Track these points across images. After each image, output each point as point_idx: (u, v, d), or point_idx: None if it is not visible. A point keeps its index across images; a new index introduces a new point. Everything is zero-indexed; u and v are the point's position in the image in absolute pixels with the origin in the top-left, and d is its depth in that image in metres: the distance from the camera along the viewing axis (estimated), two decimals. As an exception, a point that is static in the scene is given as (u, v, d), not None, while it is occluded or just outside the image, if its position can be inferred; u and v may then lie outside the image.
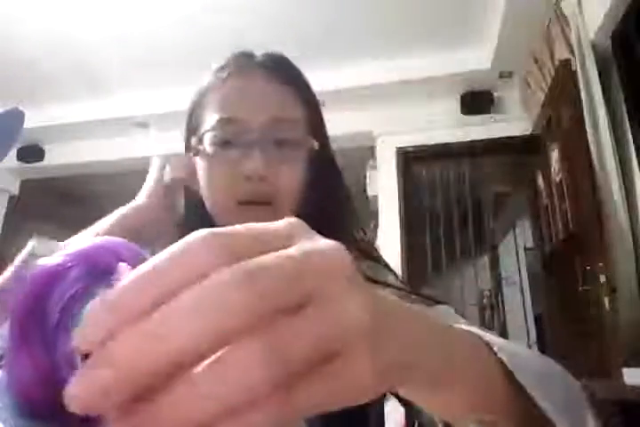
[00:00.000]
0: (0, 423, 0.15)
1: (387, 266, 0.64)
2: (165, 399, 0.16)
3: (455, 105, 2.99)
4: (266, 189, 0.57)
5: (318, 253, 0.18)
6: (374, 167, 3.16)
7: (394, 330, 0.21)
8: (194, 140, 0.60)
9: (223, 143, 0.58)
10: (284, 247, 0.18)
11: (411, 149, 3.02)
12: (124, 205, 0.63)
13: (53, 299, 0.15)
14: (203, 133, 0.59)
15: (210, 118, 0.59)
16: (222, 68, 0.62)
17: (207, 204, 0.61)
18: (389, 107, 3.07)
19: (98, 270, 0.16)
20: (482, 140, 2.91)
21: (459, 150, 2.98)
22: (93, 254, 0.16)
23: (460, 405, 0.29)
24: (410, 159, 3.04)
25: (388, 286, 0.58)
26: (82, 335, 0.16)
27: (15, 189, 3.90)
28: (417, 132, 3.01)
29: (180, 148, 0.67)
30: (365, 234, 0.66)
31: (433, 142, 2.98)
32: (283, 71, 0.63)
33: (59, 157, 3.68)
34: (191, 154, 0.62)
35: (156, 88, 3.09)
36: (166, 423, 0.16)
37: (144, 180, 0.65)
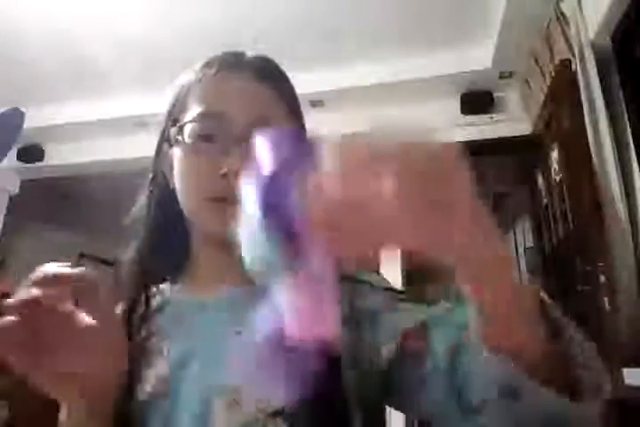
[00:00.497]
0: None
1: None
2: (366, 220, 0.26)
3: (455, 105, 2.98)
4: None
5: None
6: (374, 167, 3.16)
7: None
8: (173, 130, 0.59)
9: (204, 137, 0.57)
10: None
11: (411, 149, 3.02)
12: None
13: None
14: (184, 124, 0.58)
15: (192, 111, 0.59)
16: (209, 64, 0.62)
17: (179, 196, 0.60)
18: (389, 107, 3.07)
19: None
20: (482, 140, 2.90)
21: (459, 150, 2.98)
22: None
23: (496, 300, 0.34)
24: (410, 159, 3.04)
25: (372, 285, 0.58)
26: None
27: (15, 189, 3.91)
28: (417, 132, 3.01)
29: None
30: None
31: (433, 142, 2.97)
32: (270, 73, 0.63)
33: (59, 157, 3.68)
34: (168, 144, 0.61)
35: (155, 88, 3.09)
36: (363, 236, 0.26)
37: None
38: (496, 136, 2.89)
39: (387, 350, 0.52)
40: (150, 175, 0.64)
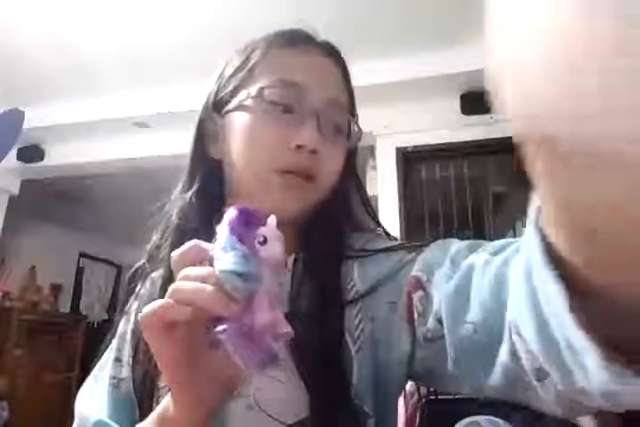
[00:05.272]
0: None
1: (388, 235, 0.62)
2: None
3: (455, 105, 2.98)
4: (313, 164, 0.54)
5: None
6: (374, 167, 3.16)
7: None
8: (244, 94, 0.55)
9: (281, 104, 0.54)
10: None
11: (411, 149, 3.02)
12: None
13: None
14: (262, 88, 0.54)
15: (269, 77, 0.55)
16: (277, 36, 0.59)
17: (239, 165, 0.56)
18: (389, 107, 3.07)
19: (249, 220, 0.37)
20: (482, 140, 2.91)
21: (459, 150, 2.98)
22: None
23: None
24: (410, 159, 3.04)
25: (388, 249, 0.55)
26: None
27: (15, 189, 3.90)
28: (417, 132, 3.01)
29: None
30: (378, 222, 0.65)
31: (433, 142, 2.98)
32: (337, 55, 0.64)
33: (59, 157, 3.68)
34: (228, 108, 0.57)
35: (156, 88, 3.09)
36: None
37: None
38: (496, 136, 2.89)
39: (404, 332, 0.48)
40: (192, 147, 0.61)
